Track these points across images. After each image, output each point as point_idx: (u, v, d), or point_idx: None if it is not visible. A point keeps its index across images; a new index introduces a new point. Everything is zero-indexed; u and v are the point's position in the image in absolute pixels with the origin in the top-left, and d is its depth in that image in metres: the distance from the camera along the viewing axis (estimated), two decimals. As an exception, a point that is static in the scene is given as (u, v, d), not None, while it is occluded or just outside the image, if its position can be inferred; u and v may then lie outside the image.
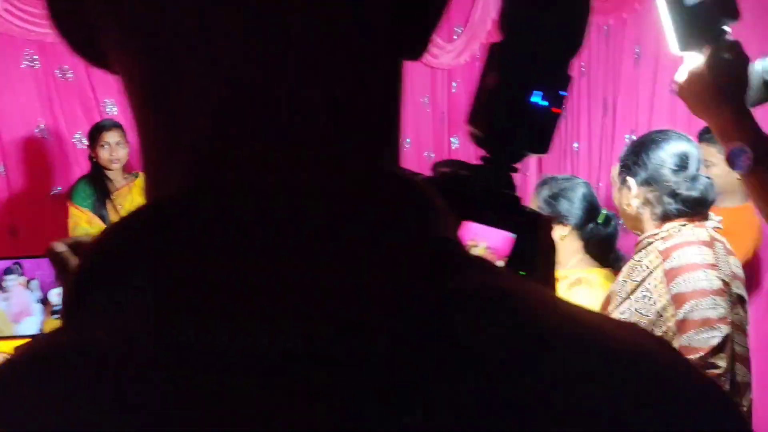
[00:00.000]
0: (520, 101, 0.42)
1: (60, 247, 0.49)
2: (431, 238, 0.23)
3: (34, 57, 2.91)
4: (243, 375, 0.18)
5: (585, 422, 0.20)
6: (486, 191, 0.45)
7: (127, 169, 2.65)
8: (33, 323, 0.50)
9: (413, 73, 3.49)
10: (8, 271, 0.50)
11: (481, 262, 0.25)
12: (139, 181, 2.66)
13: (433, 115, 3.62)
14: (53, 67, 2.93)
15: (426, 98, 3.58)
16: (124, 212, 2.53)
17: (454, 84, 3.61)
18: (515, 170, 0.46)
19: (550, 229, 0.47)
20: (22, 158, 2.99)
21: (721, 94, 0.91)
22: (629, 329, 0.25)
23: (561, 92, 0.43)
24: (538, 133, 0.44)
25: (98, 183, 2.56)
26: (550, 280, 0.47)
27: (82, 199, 2.53)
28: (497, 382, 0.20)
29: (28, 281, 0.50)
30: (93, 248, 0.23)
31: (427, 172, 0.46)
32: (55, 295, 0.49)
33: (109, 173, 2.58)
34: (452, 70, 3.56)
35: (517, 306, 0.22)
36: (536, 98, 0.42)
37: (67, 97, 2.99)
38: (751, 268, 2.34)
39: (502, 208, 0.46)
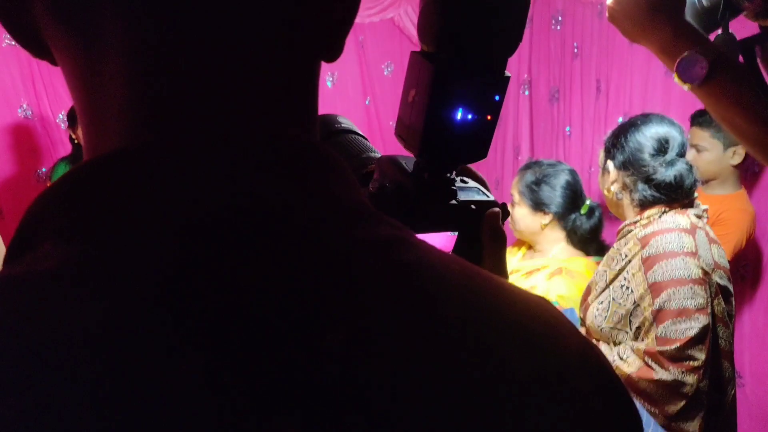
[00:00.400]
0: (445, 121, 0.38)
1: None
2: (335, 194, 0.26)
3: (16, 35, 2.84)
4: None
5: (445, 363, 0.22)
6: (417, 204, 0.42)
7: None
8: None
9: (403, 53, 3.42)
10: None
11: (388, 220, 0.28)
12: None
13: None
14: (35, 45, 2.87)
15: (418, 80, 3.51)
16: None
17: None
18: (449, 179, 0.44)
19: (498, 218, 0.45)
20: (6, 140, 2.96)
21: (656, 10, 0.83)
22: (527, 294, 0.28)
23: (495, 97, 0.39)
24: (471, 147, 0.41)
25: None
26: (498, 270, 0.45)
27: (62, 181, 2.50)
28: (384, 332, 0.22)
29: None
30: (43, 196, 0.25)
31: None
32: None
33: (89, 155, 2.54)
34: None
35: (410, 254, 0.25)
36: (463, 115, 0.38)
37: (50, 77, 2.94)
38: (745, 258, 2.30)
39: (436, 216, 0.43)
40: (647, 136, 1.39)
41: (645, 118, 1.43)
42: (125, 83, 0.25)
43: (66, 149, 2.84)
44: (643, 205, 1.38)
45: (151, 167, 0.24)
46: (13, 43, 2.85)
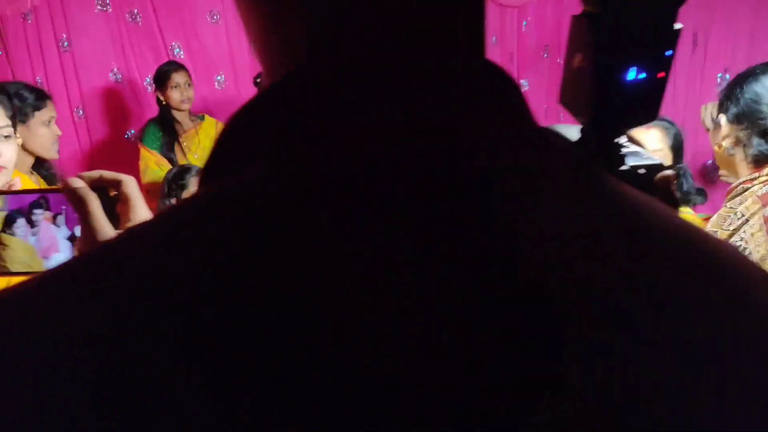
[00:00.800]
0: (615, 84, 0.37)
1: (77, 182, 0.47)
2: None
3: (106, 1, 2.95)
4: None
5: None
6: None
7: (194, 112, 2.68)
8: (61, 260, 0.47)
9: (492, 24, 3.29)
10: (35, 205, 0.47)
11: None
12: (206, 123, 2.69)
13: (502, 56, 3.43)
14: (124, 11, 2.97)
15: (494, 38, 3.39)
16: (191, 155, 2.57)
17: (524, 23, 3.39)
18: (618, 144, 0.43)
19: (670, 182, 0.44)
20: (98, 103, 3.09)
21: None
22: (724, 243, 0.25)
23: (667, 52, 0.37)
24: (642, 108, 0.39)
25: (167, 126, 2.60)
26: None
27: (151, 141, 2.59)
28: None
29: (55, 216, 0.47)
30: (230, 125, 0.24)
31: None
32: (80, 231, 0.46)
33: (177, 115, 2.61)
34: (522, 8, 3.34)
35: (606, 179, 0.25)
36: (634, 74, 0.37)
37: (138, 41, 3.04)
38: None
39: None
40: (767, 86, 1.28)
41: (766, 67, 1.32)
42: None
43: (153, 111, 2.94)
44: (758, 161, 1.29)
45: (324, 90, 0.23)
46: (105, 8, 2.96)
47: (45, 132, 1.65)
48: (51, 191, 0.50)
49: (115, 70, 3.06)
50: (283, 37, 0.25)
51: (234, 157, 0.23)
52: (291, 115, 0.23)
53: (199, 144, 2.62)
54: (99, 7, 2.95)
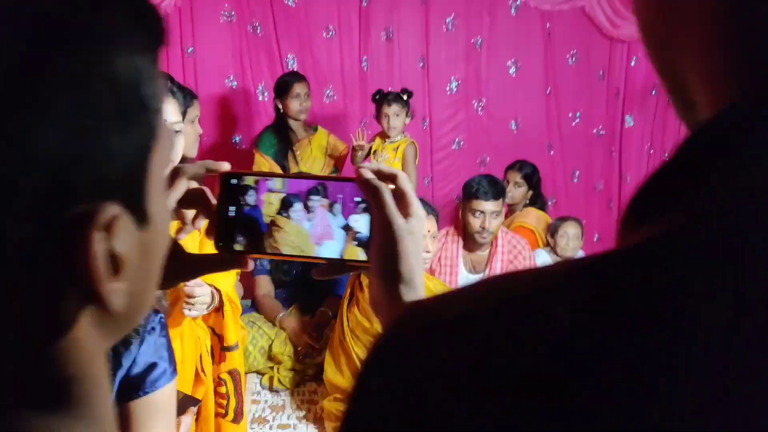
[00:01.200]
0: None
1: (369, 173, 0.48)
2: None
3: (232, 12, 3.10)
4: None
5: None
6: None
7: (307, 122, 2.76)
8: (333, 248, 0.49)
9: (590, 43, 3.24)
10: (313, 192, 0.49)
11: None
12: (318, 134, 2.76)
13: (608, 91, 3.37)
14: (247, 21, 3.12)
15: (601, 72, 3.34)
16: (302, 164, 2.63)
17: (633, 59, 3.32)
18: None
19: None
20: (212, 106, 3.24)
21: None
22: None
23: None
24: None
25: (282, 133, 2.68)
26: None
27: (267, 147, 2.68)
28: None
29: (331, 204, 0.49)
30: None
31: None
32: (354, 221, 0.48)
33: (292, 124, 2.69)
34: (633, 43, 3.26)
35: None
36: None
37: (256, 51, 3.17)
38: None
39: None
40: None
41: None
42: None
43: (261, 119, 3.04)
44: None
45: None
46: (230, 19, 3.12)
47: (190, 130, 1.73)
48: (331, 179, 0.51)
49: (231, 77, 3.21)
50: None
51: (664, 197, 0.21)
52: (731, 157, 0.20)
53: (310, 154, 2.69)
54: (224, 17, 3.12)
